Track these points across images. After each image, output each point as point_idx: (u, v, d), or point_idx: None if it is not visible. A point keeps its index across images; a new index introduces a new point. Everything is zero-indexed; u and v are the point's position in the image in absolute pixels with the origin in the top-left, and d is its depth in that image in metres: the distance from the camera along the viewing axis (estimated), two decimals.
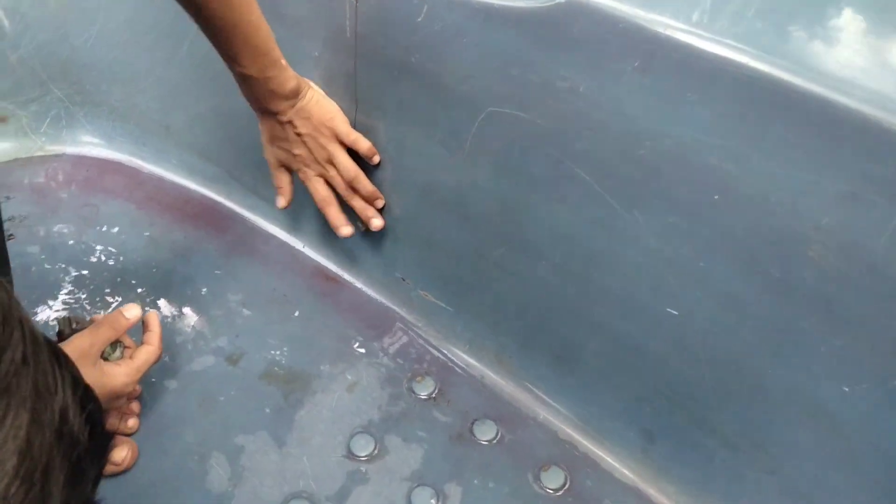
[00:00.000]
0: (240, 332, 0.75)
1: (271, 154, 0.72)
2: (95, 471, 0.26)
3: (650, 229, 0.55)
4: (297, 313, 0.78)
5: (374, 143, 0.70)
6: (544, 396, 0.69)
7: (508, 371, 0.72)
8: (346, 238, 0.74)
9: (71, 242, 0.83)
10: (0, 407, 0.22)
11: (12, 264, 0.78)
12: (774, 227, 0.48)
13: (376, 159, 0.71)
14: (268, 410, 0.68)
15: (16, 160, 0.92)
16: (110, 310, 0.76)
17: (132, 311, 0.60)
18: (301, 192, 0.75)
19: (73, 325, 0.61)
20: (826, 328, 0.49)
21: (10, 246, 0.81)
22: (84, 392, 0.26)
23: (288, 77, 0.64)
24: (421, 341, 0.75)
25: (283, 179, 0.74)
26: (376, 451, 0.65)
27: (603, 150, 0.54)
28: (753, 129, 0.46)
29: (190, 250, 0.84)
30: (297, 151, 0.70)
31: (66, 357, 0.26)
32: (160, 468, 0.63)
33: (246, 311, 0.77)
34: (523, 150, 0.59)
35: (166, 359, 0.71)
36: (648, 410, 0.62)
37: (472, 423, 0.68)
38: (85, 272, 0.80)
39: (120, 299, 0.77)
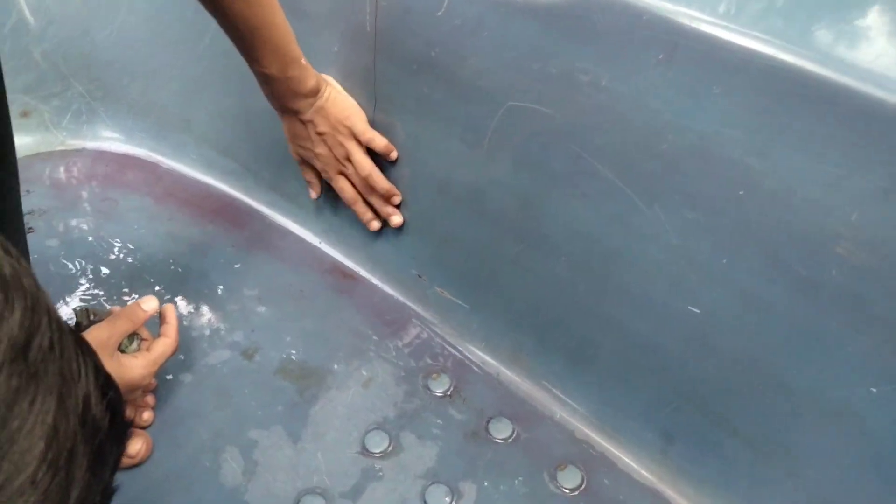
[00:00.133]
0: (255, 327, 0.75)
1: (295, 152, 0.74)
2: (114, 457, 0.26)
3: (671, 225, 0.54)
4: (312, 309, 0.77)
5: (392, 139, 0.70)
6: (561, 395, 0.69)
7: (525, 369, 0.71)
8: (371, 232, 0.76)
9: (89, 237, 0.83)
10: (29, 392, 0.22)
11: (32, 258, 0.79)
12: (801, 224, 0.47)
13: (393, 155, 0.71)
14: (282, 405, 0.68)
15: (37, 154, 0.93)
16: (128, 303, 0.76)
17: (150, 304, 0.60)
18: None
19: (91, 317, 0.61)
20: (853, 327, 0.48)
21: (30, 239, 0.82)
22: (105, 380, 0.26)
23: (308, 76, 0.64)
24: (437, 338, 0.75)
25: (311, 174, 0.76)
26: (391, 448, 0.65)
27: (624, 145, 0.54)
28: (780, 123, 0.46)
29: (207, 245, 0.84)
30: (318, 150, 0.70)
31: (88, 345, 0.26)
32: (174, 461, 0.63)
33: (262, 307, 0.77)
34: (543, 145, 0.59)
35: (180, 357, 0.71)
36: (668, 410, 0.61)
37: (488, 421, 0.67)
38: (103, 267, 0.80)
39: (136, 295, 0.77)
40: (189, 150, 0.92)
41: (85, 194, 0.90)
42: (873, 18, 0.48)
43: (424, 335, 0.75)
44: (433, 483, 0.62)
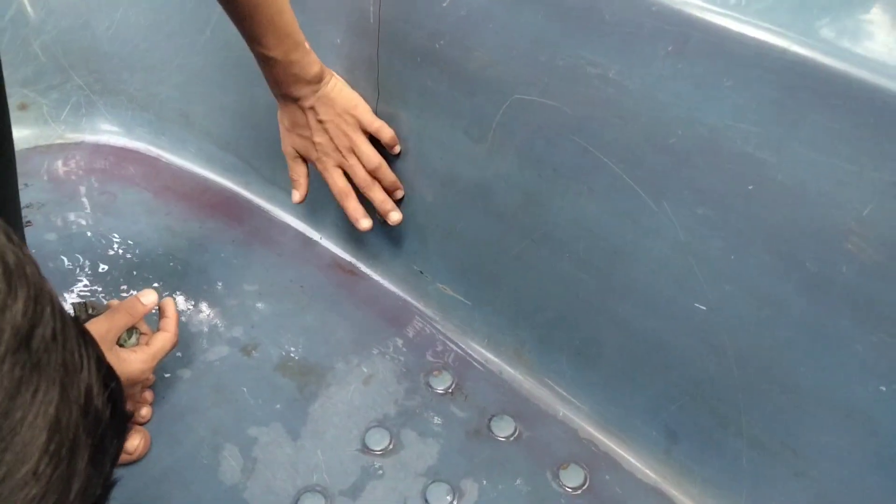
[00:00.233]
0: (255, 322, 0.74)
1: (289, 143, 0.71)
2: (115, 449, 0.26)
3: (679, 221, 0.53)
4: (313, 305, 0.76)
5: (396, 132, 0.69)
6: (564, 393, 0.68)
7: (528, 366, 0.70)
8: (364, 231, 0.73)
9: (88, 232, 0.83)
10: (31, 383, 0.22)
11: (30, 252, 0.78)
12: (812, 219, 0.47)
13: (397, 149, 0.70)
14: (282, 402, 0.67)
15: (35, 148, 0.92)
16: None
17: (149, 297, 0.60)
18: (319, 183, 0.74)
19: (90, 311, 0.60)
20: (863, 325, 0.48)
21: (28, 233, 0.81)
22: (107, 371, 0.26)
23: (311, 61, 0.63)
24: (439, 335, 0.74)
25: (300, 171, 0.73)
26: (391, 446, 0.64)
27: (632, 139, 0.53)
28: (792, 116, 0.45)
29: (207, 240, 0.83)
30: (317, 139, 0.69)
31: (90, 336, 0.26)
32: (172, 458, 0.62)
33: (261, 302, 0.76)
34: (549, 138, 0.58)
35: (178, 353, 0.70)
36: (672, 409, 0.61)
37: (490, 419, 0.67)
38: (101, 261, 0.79)
39: (135, 291, 0.76)
40: (189, 144, 0.91)
41: (83, 188, 0.89)
42: (885, 12, 0.48)
43: (426, 332, 0.74)
44: (434, 481, 0.62)
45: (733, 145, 0.48)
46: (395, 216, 0.72)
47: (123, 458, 0.60)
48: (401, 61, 0.65)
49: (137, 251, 0.81)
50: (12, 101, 0.91)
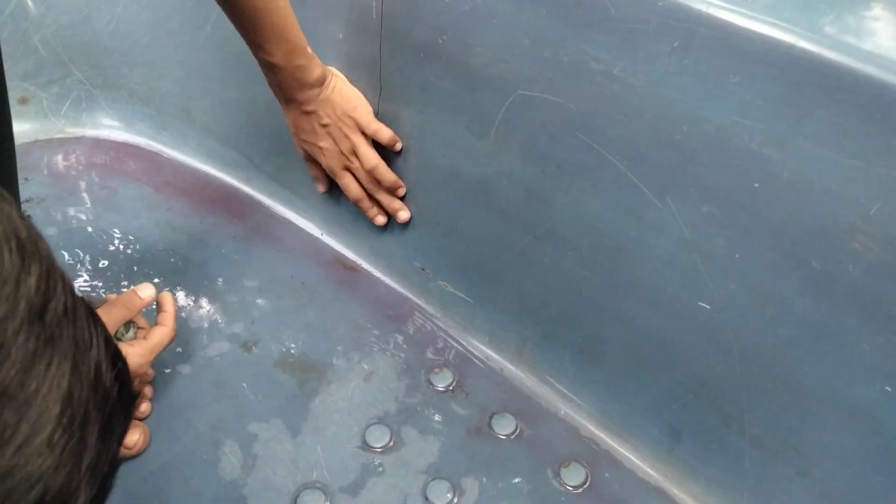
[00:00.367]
0: (255, 318, 0.74)
1: (299, 147, 0.73)
2: (122, 428, 0.27)
3: (684, 218, 0.53)
4: (313, 301, 0.76)
5: (398, 129, 0.69)
6: (566, 391, 0.67)
7: (529, 364, 0.70)
8: (375, 226, 0.75)
9: (88, 226, 0.82)
10: (45, 355, 0.22)
11: None
12: (818, 217, 0.46)
13: (398, 146, 0.70)
14: (282, 399, 0.66)
15: (35, 142, 0.92)
16: None
17: (146, 291, 0.59)
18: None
19: None
20: (869, 324, 0.47)
21: None
22: (115, 351, 0.26)
23: (314, 65, 0.63)
24: (440, 332, 0.74)
25: (316, 170, 0.75)
26: (392, 443, 0.64)
27: (636, 136, 0.52)
28: (799, 113, 0.44)
29: (207, 235, 0.83)
30: (321, 144, 0.69)
31: (98, 317, 0.27)
32: (172, 454, 0.61)
33: (262, 298, 0.76)
34: (552, 135, 0.58)
35: (178, 349, 0.70)
36: (675, 408, 0.60)
37: (491, 417, 0.66)
38: (101, 256, 0.79)
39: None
40: (189, 139, 0.91)
41: (83, 183, 0.88)
42: (891, 7, 0.47)
43: (427, 329, 0.74)
44: (434, 479, 0.61)
45: (739, 142, 0.48)
46: (402, 215, 0.73)
47: (123, 453, 0.60)
48: (403, 57, 0.65)
49: (138, 246, 0.80)
50: (13, 95, 0.90)
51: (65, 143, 0.92)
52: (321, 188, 0.77)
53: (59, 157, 0.91)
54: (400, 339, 0.73)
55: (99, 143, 0.93)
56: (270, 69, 0.63)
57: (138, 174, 0.90)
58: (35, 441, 0.22)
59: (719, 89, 0.47)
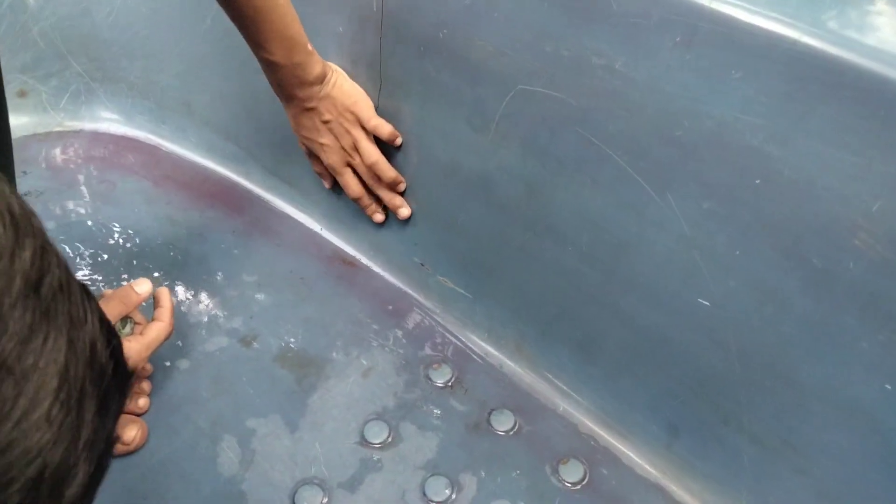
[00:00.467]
0: (254, 313, 0.74)
1: (301, 144, 0.73)
2: (118, 406, 0.27)
3: (684, 215, 0.53)
4: (312, 296, 0.76)
5: (398, 124, 0.68)
6: (565, 387, 0.67)
7: (528, 360, 0.70)
8: (375, 224, 0.75)
9: (87, 220, 0.82)
10: (42, 330, 0.22)
11: None
12: (819, 214, 0.46)
13: (398, 141, 0.70)
14: (281, 394, 0.66)
15: (34, 135, 0.92)
16: None
17: (143, 286, 0.59)
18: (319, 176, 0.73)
19: None
20: (869, 323, 0.47)
21: None
22: (109, 329, 0.26)
23: (314, 62, 0.63)
24: (438, 328, 0.74)
25: (319, 166, 0.75)
26: (390, 439, 0.64)
27: (637, 131, 0.52)
28: (801, 109, 0.44)
29: (206, 230, 0.82)
30: (323, 140, 0.69)
31: (92, 295, 0.27)
32: (170, 449, 0.61)
33: (261, 293, 0.76)
34: (552, 130, 0.57)
35: (178, 343, 0.69)
36: (674, 404, 0.60)
37: (490, 413, 0.66)
38: (100, 251, 0.78)
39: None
40: (189, 132, 0.91)
41: (82, 176, 0.88)
42: (894, 2, 0.47)
43: (426, 324, 0.74)
44: (433, 475, 0.61)
45: (741, 138, 0.47)
46: (403, 212, 0.72)
47: (121, 448, 0.59)
48: (404, 50, 0.64)
49: (137, 240, 0.80)
50: (11, 88, 0.90)
51: (63, 137, 0.92)
52: (327, 184, 0.77)
53: (58, 151, 0.90)
54: (399, 334, 0.73)
55: (98, 137, 0.92)
56: (271, 67, 0.63)
57: (137, 168, 0.89)
58: (33, 415, 0.22)
59: (721, 85, 0.46)
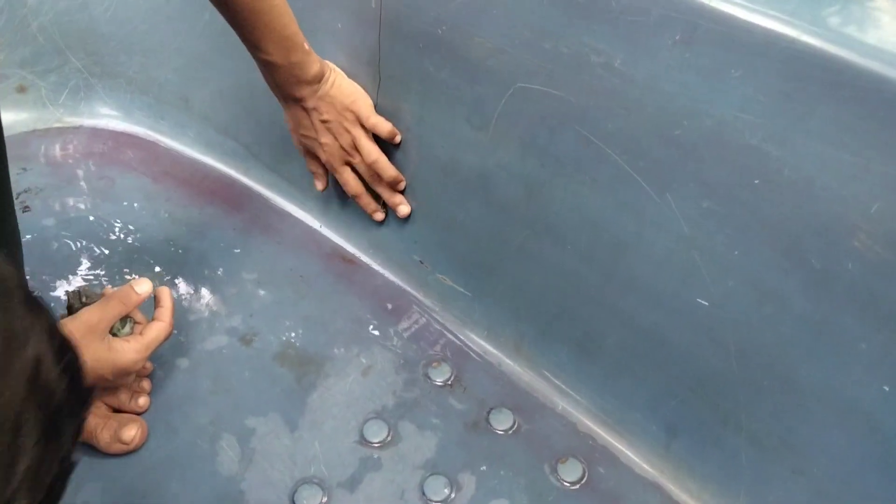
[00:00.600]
0: (254, 311, 0.74)
1: (298, 142, 0.72)
2: (74, 426, 0.24)
3: (683, 214, 0.52)
4: (312, 294, 0.76)
5: (397, 121, 0.68)
6: (564, 386, 0.67)
7: (527, 359, 0.69)
8: (374, 221, 0.75)
9: (87, 216, 0.82)
10: None
11: (28, 237, 0.78)
12: (818, 214, 0.46)
13: (397, 139, 0.69)
14: (280, 393, 0.66)
15: (33, 131, 0.91)
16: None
17: (143, 286, 0.59)
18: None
19: (83, 299, 0.60)
20: (868, 323, 0.47)
21: (26, 218, 0.80)
22: (61, 342, 0.24)
23: (312, 61, 0.63)
24: (438, 326, 0.73)
25: (316, 165, 0.74)
26: (389, 438, 0.64)
27: (636, 130, 0.52)
28: (800, 108, 0.44)
29: (206, 227, 0.82)
30: (322, 140, 0.69)
31: (39, 303, 0.24)
32: (170, 448, 0.61)
33: (261, 291, 0.76)
34: (551, 128, 0.57)
35: (180, 338, 0.69)
36: (673, 404, 0.60)
37: (489, 412, 0.66)
38: (100, 247, 0.78)
39: (136, 276, 0.76)
40: (188, 128, 0.90)
41: (81, 172, 0.88)
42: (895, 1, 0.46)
43: (425, 322, 0.74)
44: (432, 474, 0.61)
45: (740, 137, 0.47)
46: (403, 210, 0.72)
47: (120, 447, 0.60)
48: (402, 47, 0.64)
49: (138, 236, 0.80)
50: (11, 83, 0.90)
51: (63, 133, 0.92)
52: (319, 185, 0.75)
53: (57, 147, 0.90)
54: (398, 332, 0.73)
55: (97, 133, 0.92)
56: (268, 67, 0.62)
57: (136, 164, 0.89)
58: None
59: (721, 84, 0.46)
